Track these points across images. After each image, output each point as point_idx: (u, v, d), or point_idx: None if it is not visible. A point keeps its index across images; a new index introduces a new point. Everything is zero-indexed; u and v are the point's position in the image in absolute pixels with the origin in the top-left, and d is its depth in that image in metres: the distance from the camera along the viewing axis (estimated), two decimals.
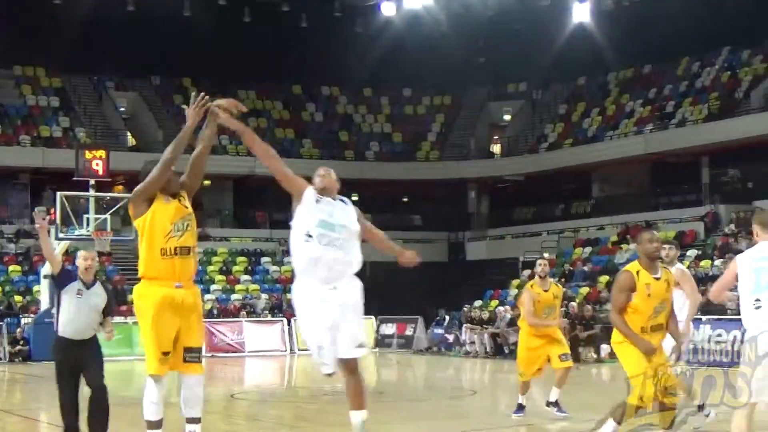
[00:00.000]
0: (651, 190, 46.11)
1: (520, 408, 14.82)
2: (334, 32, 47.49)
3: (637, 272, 9.66)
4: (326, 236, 8.72)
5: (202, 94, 8.91)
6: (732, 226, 36.44)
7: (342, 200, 8.99)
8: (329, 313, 8.73)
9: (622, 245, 39.11)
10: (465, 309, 35.87)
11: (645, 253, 9.79)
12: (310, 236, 8.68)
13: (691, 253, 35.80)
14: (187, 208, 8.94)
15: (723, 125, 40.34)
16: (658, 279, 9.70)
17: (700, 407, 12.79)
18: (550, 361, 14.61)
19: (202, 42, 45.90)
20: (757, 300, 9.01)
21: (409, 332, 37.53)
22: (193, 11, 45.10)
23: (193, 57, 47.64)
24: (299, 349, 35.07)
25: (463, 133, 53.81)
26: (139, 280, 9.06)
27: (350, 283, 8.92)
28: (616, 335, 9.84)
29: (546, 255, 42.91)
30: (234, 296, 40.49)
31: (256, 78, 52.03)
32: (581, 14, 45.12)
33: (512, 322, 31.95)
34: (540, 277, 14.83)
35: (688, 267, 30.65)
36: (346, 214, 8.90)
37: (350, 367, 8.94)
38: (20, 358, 31.09)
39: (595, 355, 28.68)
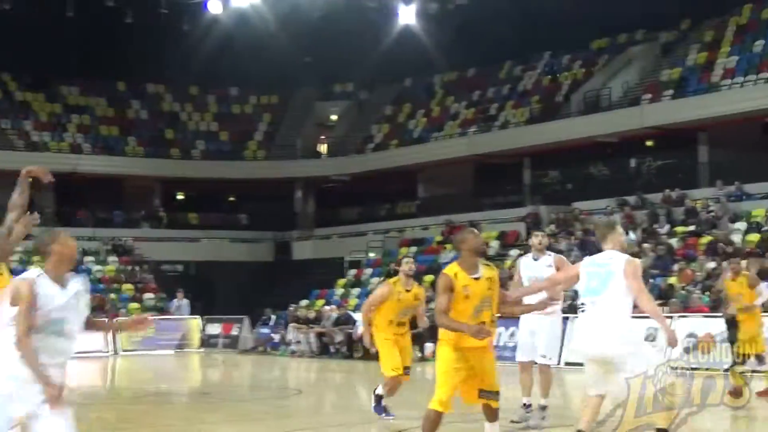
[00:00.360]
0: (475, 191, 46.86)
1: (380, 402, 14.18)
2: (159, 29, 46.84)
3: (455, 274, 9.52)
4: (57, 329, 7.40)
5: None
6: (552, 227, 37.35)
7: (78, 278, 7.62)
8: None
9: (446, 245, 39.64)
10: (291, 308, 35.93)
11: (472, 249, 9.64)
12: (38, 330, 7.28)
13: (514, 252, 36.56)
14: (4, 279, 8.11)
15: (544, 128, 41.30)
16: (477, 279, 9.55)
17: (543, 408, 13.01)
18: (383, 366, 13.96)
19: (22, 36, 44.70)
20: (582, 303, 9.53)
21: (234, 332, 37.37)
22: (12, 3, 43.85)
23: (13, 51, 46.28)
24: (123, 350, 34.68)
25: (290, 132, 53.81)
26: None
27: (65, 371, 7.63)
28: (440, 333, 9.73)
29: (372, 255, 43.39)
30: None
31: (80, 73, 50.95)
32: (407, 16, 45.59)
33: (338, 321, 32.18)
34: (406, 275, 14.04)
35: (510, 267, 31.45)
36: (81, 296, 7.56)
37: None
38: None
39: (419, 354, 29.01)
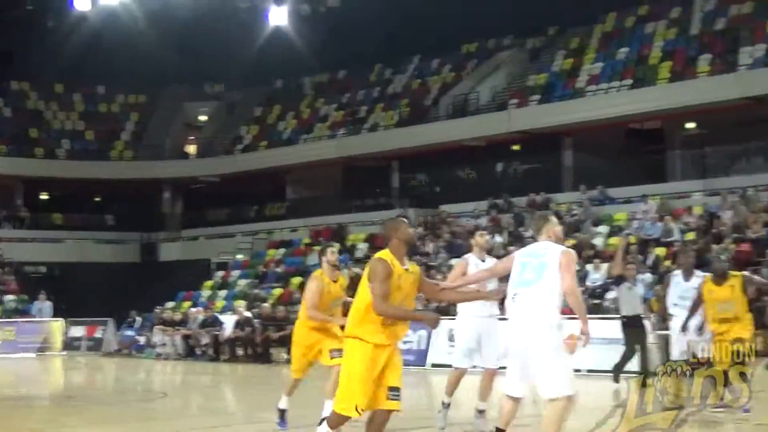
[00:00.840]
0: (343, 193, 46.92)
1: (283, 416, 12.83)
2: (24, 26, 45.93)
3: (391, 261, 8.80)
4: None
5: None
6: (420, 229, 37.62)
7: None
8: None
9: (314, 247, 39.62)
10: (157, 310, 35.55)
11: (405, 239, 8.98)
12: None
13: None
14: None
15: (412, 131, 41.61)
16: (407, 271, 8.91)
17: (446, 405, 12.69)
18: (321, 356, 12.53)
19: None
20: (514, 294, 9.42)
21: (98, 334, 36.83)
22: None
23: None
24: None
25: (158, 132, 53.24)
26: None
27: None
28: (352, 328, 8.88)
29: (240, 257, 43.14)
30: None
31: None
32: (278, 18, 45.48)
33: (204, 324, 31.94)
34: (333, 266, 12.68)
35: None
36: None
37: None
38: None
39: (287, 356, 28.93)
